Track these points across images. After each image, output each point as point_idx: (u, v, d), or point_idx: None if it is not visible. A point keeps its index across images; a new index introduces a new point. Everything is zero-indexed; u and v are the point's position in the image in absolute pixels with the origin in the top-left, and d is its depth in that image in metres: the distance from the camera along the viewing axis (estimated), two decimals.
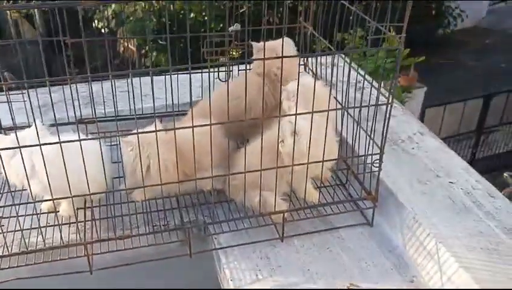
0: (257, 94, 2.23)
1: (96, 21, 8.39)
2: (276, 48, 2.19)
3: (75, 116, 2.13)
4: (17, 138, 1.67)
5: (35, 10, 6.78)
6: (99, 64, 2.17)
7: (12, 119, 2.20)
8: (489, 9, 15.77)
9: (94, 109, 1.69)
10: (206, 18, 8.51)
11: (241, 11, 2.76)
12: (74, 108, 1.89)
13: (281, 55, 2.09)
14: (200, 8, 8.38)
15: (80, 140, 1.68)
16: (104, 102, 2.46)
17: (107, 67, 1.83)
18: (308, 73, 2.66)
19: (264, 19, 2.25)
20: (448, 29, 13.62)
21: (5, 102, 2.26)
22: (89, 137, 1.86)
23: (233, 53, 2.71)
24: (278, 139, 1.94)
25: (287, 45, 2.30)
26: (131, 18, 8.53)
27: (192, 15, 8.52)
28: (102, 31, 8.40)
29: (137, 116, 1.92)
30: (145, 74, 2.56)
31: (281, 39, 2.28)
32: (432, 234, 1.89)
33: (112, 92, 1.84)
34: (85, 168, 1.73)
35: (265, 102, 2.28)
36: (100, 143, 1.74)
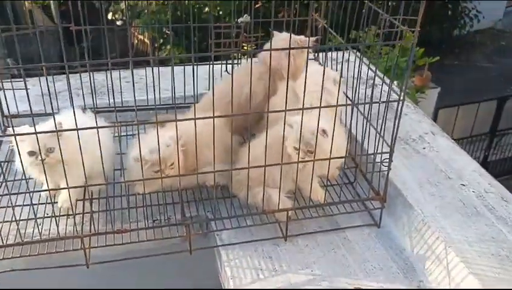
0: (255, 83, 2.17)
1: (111, 13, 8.40)
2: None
3: (73, 106, 2.08)
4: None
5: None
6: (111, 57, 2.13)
7: (17, 106, 2.16)
8: (506, 11, 15.60)
9: (95, 99, 1.64)
10: (221, 13, 8.49)
11: (256, 6, 2.71)
12: (72, 98, 1.84)
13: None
14: (215, 3, 8.36)
15: (79, 129, 1.64)
16: (108, 92, 2.41)
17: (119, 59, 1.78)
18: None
19: (280, 15, 2.20)
20: (464, 30, 13.48)
21: (8, 89, 2.23)
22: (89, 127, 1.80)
23: (244, 47, 2.65)
24: (284, 123, 1.86)
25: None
26: (145, 11, 8.53)
27: (206, 9, 8.51)
28: (118, 23, 8.41)
29: (138, 107, 1.86)
30: (149, 64, 2.51)
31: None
32: (441, 237, 1.83)
33: (111, 81, 1.79)
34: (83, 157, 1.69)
35: (264, 91, 2.21)
36: (98, 133, 1.69)
